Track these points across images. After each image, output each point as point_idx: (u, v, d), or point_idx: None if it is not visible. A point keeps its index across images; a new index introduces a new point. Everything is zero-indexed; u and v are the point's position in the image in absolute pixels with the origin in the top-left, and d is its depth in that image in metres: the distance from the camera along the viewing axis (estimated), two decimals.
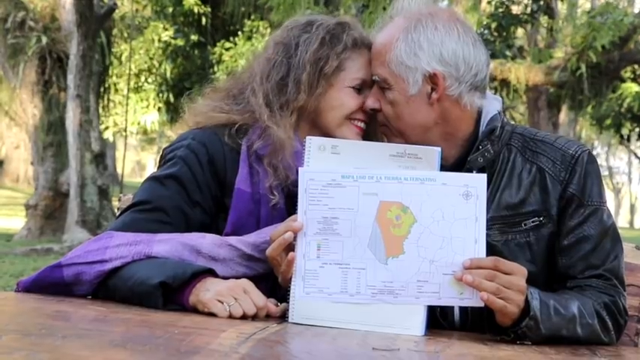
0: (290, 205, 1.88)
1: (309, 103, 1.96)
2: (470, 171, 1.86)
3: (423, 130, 1.90)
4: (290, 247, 1.75)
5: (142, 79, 17.28)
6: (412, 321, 1.70)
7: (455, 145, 1.91)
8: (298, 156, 1.87)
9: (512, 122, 2.11)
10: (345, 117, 1.97)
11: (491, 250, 1.74)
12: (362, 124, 1.99)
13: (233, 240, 1.86)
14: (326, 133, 1.96)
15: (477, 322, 1.83)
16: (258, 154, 1.93)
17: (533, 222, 1.87)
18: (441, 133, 1.91)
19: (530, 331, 1.69)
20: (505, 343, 1.68)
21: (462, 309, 1.86)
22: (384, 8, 9.01)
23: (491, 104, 1.94)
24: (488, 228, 1.74)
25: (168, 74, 16.85)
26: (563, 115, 20.52)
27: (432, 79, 1.87)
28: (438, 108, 1.89)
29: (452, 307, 1.86)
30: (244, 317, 1.65)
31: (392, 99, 1.90)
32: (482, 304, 1.66)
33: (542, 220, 1.87)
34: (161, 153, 2.01)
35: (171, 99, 16.89)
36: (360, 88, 1.99)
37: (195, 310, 1.68)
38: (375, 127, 2.00)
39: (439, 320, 1.85)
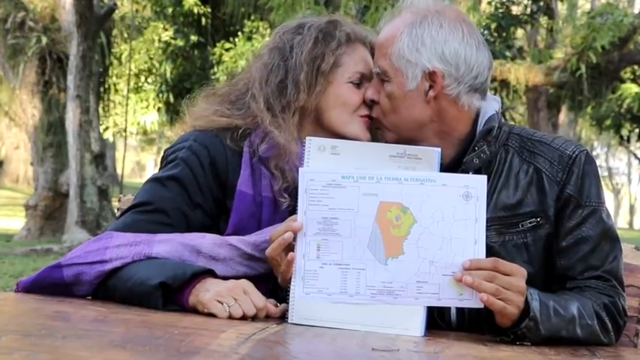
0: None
1: (310, 102, 1.96)
2: (465, 172, 1.86)
3: (417, 125, 1.90)
4: (290, 247, 1.74)
5: (142, 79, 17.27)
6: (412, 322, 1.70)
7: (451, 145, 1.91)
8: (302, 158, 1.87)
9: (512, 123, 2.10)
10: (351, 113, 1.97)
11: (488, 251, 1.74)
12: (368, 119, 1.99)
13: (233, 239, 1.86)
14: (333, 133, 1.96)
15: (474, 323, 1.83)
16: (261, 158, 1.93)
17: (530, 223, 1.86)
18: (436, 131, 1.91)
19: (530, 331, 1.69)
20: (504, 344, 1.68)
21: (459, 309, 1.85)
22: (385, 9, 9.01)
23: (490, 105, 1.94)
24: (485, 229, 1.73)
25: (168, 75, 16.83)
26: (563, 116, 20.52)
27: (431, 76, 1.87)
28: (435, 106, 1.89)
29: (449, 308, 1.86)
30: (244, 318, 1.65)
31: (390, 92, 1.90)
32: (481, 305, 1.66)
33: (540, 221, 1.86)
34: (162, 154, 2.02)
35: (171, 99, 16.87)
36: (360, 83, 1.99)
37: (194, 311, 1.68)
38: None
39: (436, 320, 1.85)
